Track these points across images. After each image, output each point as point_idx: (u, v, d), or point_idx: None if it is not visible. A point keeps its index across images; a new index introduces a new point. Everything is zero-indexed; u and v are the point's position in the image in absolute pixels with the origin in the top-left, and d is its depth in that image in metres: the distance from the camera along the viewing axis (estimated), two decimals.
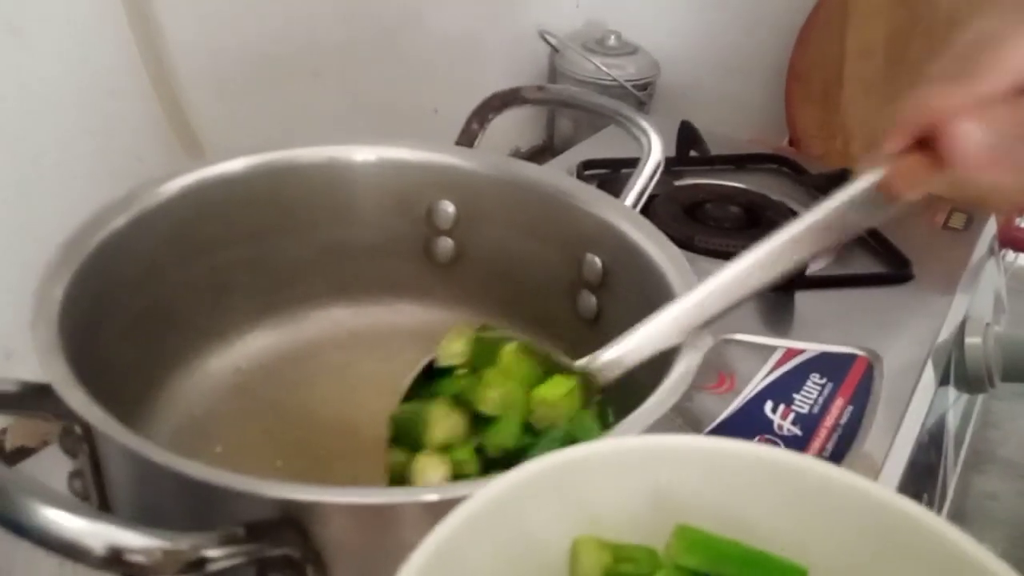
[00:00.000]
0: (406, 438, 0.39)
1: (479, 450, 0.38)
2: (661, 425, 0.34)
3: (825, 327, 0.61)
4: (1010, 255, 0.91)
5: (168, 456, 0.29)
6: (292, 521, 0.29)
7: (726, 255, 0.68)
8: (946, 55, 0.33)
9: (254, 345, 0.53)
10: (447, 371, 0.41)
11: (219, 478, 0.29)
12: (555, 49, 0.99)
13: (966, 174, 0.32)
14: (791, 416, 0.53)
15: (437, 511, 0.29)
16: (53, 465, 0.37)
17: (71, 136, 0.57)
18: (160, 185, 0.46)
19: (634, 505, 0.26)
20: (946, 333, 0.64)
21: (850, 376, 0.56)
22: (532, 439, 0.38)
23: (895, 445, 0.53)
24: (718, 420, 0.52)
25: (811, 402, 0.54)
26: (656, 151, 0.53)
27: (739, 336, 0.59)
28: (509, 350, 0.39)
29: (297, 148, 0.51)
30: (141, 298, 0.45)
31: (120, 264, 0.43)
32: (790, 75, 0.95)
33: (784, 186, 0.81)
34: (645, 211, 0.50)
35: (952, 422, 0.69)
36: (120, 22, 0.57)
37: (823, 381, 0.55)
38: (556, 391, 0.38)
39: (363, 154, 0.52)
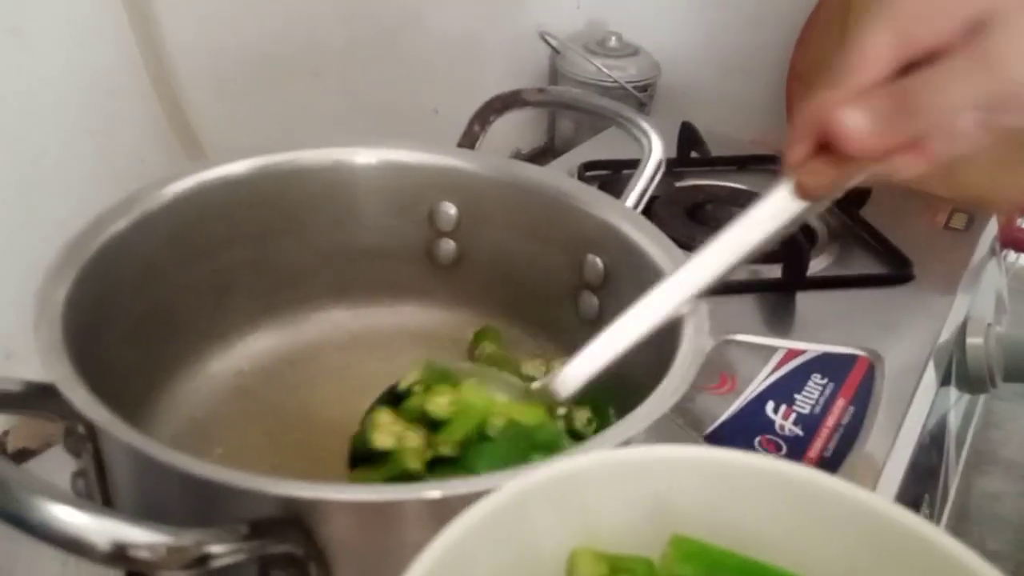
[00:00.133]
0: (364, 455, 0.40)
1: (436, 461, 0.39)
2: (662, 425, 0.35)
3: (826, 328, 0.62)
4: (1011, 255, 0.91)
5: (172, 454, 0.29)
6: (295, 519, 0.29)
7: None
8: (832, 59, 0.35)
9: (255, 347, 0.53)
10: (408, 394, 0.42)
11: (222, 476, 0.29)
12: (556, 50, 0.99)
13: (870, 159, 0.34)
14: (792, 416, 0.53)
15: (439, 508, 0.30)
16: (56, 467, 0.37)
17: (72, 137, 0.57)
18: (161, 187, 0.46)
19: (633, 515, 0.26)
20: (947, 333, 0.64)
21: (851, 376, 0.56)
22: (486, 440, 0.39)
23: (896, 446, 0.53)
24: (719, 420, 0.52)
25: (812, 402, 0.54)
26: (657, 152, 0.53)
27: (740, 337, 0.59)
28: (469, 383, 0.41)
29: (299, 150, 0.51)
30: (142, 300, 0.46)
31: (121, 266, 0.43)
32: (791, 75, 0.95)
33: None
34: (646, 212, 0.50)
35: (954, 422, 0.69)
36: (120, 22, 0.57)
37: (824, 381, 0.56)
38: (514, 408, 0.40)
39: (365, 156, 0.52)
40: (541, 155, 1.01)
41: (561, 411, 0.41)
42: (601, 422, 0.47)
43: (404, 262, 0.55)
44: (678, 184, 0.79)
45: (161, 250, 0.46)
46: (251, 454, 0.46)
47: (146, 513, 0.32)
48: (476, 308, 0.55)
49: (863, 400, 0.55)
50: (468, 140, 0.58)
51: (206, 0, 0.62)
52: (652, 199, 0.53)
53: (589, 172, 0.80)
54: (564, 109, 0.97)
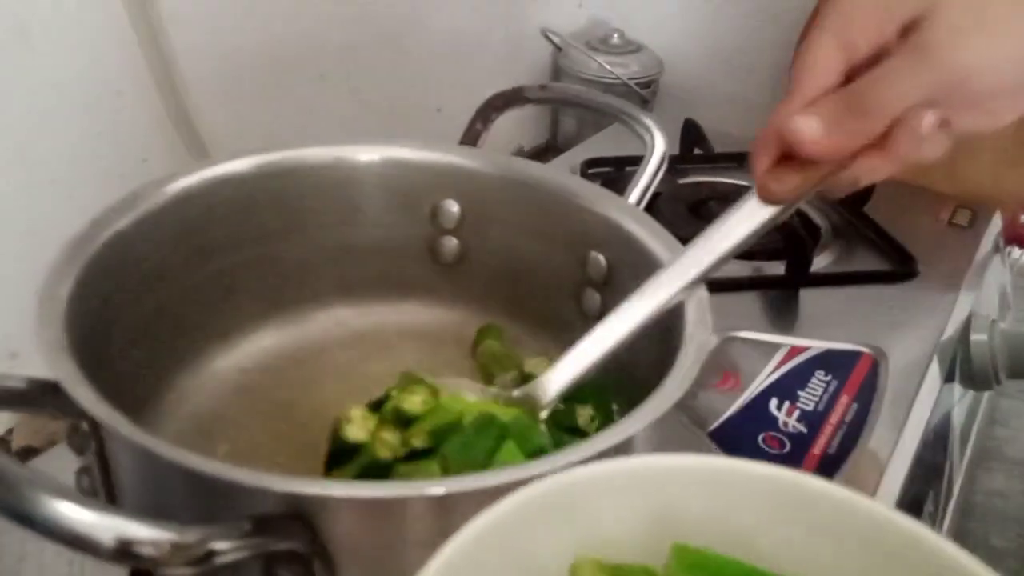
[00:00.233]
0: (339, 453, 0.41)
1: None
2: (665, 423, 0.35)
3: (830, 324, 0.62)
4: (1015, 252, 0.91)
5: (176, 451, 0.30)
6: (299, 515, 0.29)
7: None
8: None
9: (259, 345, 0.53)
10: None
11: (227, 472, 0.29)
12: (558, 48, 0.99)
13: (830, 161, 0.36)
14: (796, 413, 0.53)
15: (443, 505, 0.30)
16: (59, 465, 0.37)
17: (77, 138, 0.57)
18: (165, 186, 0.47)
19: (634, 524, 0.26)
20: (951, 330, 0.64)
21: (855, 373, 0.56)
22: (458, 430, 0.40)
23: (900, 442, 0.53)
24: (723, 417, 0.52)
25: (816, 399, 0.54)
26: (659, 148, 0.53)
27: (744, 334, 0.59)
28: (445, 389, 0.42)
29: (302, 149, 0.51)
30: (146, 298, 0.46)
31: (125, 265, 0.43)
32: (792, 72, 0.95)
33: None
34: (649, 209, 0.50)
35: (958, 419, 0.69)
36: (125, 24, 0.57)
37: (828, 378, 0.55)
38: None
39: (367, 154, 0.52)
40: (543, 152, 1.01)
41: (543, 414, 0.41)
42: (604, 419, 0.47)
43: (407, 260, 0.55)
44: (681, 181, 0.79)
45: (164, 248, 0.46)
46: (256, 452, 0.46)
47: (150, 510, 0.32)
48: (479, 305, 0.55)
49: (867, 397, 0.54)
50: (470, 138, 0.58)
51: (210, 2, 0.62)
52: (655, 196, 0.53)
53: (592, 169, 0.80)
54: (566, 106, 0.97)
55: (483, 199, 0.53)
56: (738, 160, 0.83)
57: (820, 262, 0.69)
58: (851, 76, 0.36)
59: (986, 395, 0.80)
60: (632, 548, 0.26)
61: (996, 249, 0.78)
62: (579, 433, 0.44)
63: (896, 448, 0.52)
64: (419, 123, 0.83)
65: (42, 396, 0.34)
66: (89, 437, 0.35)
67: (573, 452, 0.31)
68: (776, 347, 0.58)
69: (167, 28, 0.59)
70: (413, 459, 0.39)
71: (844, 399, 0.54)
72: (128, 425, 0.31)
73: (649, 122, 0.54)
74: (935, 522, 0.62)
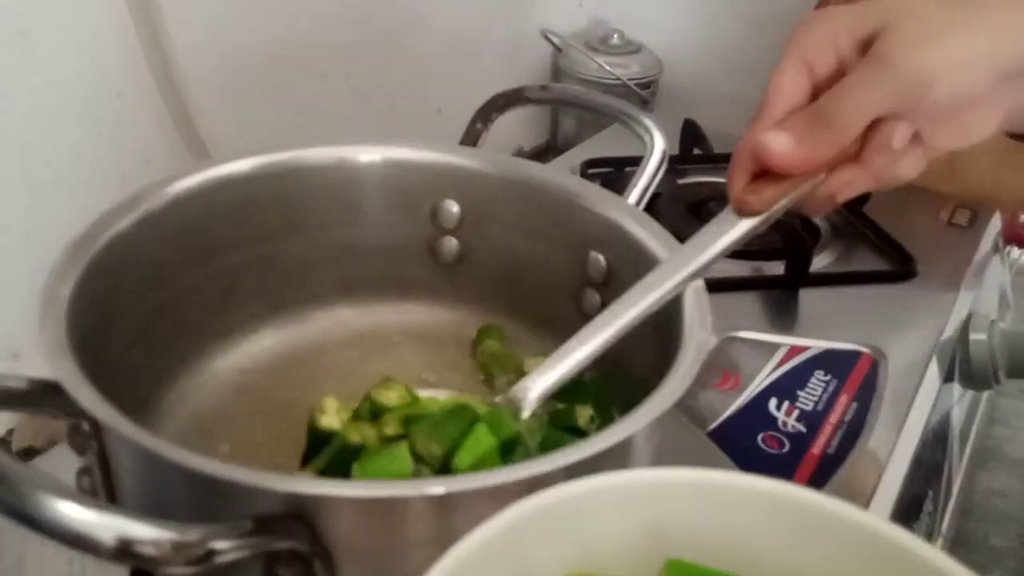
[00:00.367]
0: (315, 443, 0.41)
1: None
2: (664, 422, 0.35)
3: (829, 324, 0.62)
4: (1015, 252, 0.91)
5: (177, 451, 0.30)
6: (299, 515, 0.29)
7: (729, 253, 0.69)
8: None
9: (260, 345, 0.53)
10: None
11: (228, 472, 0.29)
12: (558, 48, 0.99)
13: (802, 173, 0.38)
14: (796, 413, 0.53)
15: (443, 504, 0.30)
16: (60, 466, 0.37)
17: (78, 138, 0.57)
18: (166, 186, 0.47)
19: (628, 539, 0.26)
20: (950, 330, 0.64)
21: (855, 373, 0.56)
22: (429, 416, 0.40)
23: (900, 442, 0.53)
24: (723, 417, 0.52)
25: (816, 399, 0.54)
26: (659, 148, 0.53)
27: (743, 334, 0.59)
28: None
29: (302, 149, 0.52)
30: (147, 298, 0.46)
31: (126, 265, 0.43)
32: None
33: None
34: (649, 209, 0.50)
35: (957, 419, 0.69)
36: (126, 25, 0.57)
37: (827, 378, 0.56)
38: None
39: (368, 154, 0.52)
40: (543, 153, 1.01)
41: (525, 414, 0.41)
42: (604, 419, 0.47)
43: (407, 260, 0.55)
44: (681, 181, 0.79)
45: (165, 249, 0.46)
46: (256, 452, 0.46)
47: (151, 510, 0.32)
48: (479, 306, 0.55)
49: (866, 397, 0.55)
50: (471, 138, 0.58)
51: (211, 2, 0.62)
52: (655, 196, 0.53)
53: (592, 169, 0.80)
54: (566, 106, 0.97)
55: (483, 199, 0.53)
56: None
57: (820, 262, 0.69)
58: (817, 96, 0.38)
59: (985, 395, 0.80)
60: (626, 563, 0.26)
61: (995, 249, 0.79)
62: (579, 433, 0.44)
63: (895, 448, 0.52)
64: (419, 123, 0.83)
65: (43, 396, 0.34)
66: (90, 437, 0.35)
67: (573, 452, 0.31)
68: (776, 347, 0.58)
69: (168, 28, 0.59)
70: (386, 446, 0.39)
71: (843, 399, 0.54)
72: (129, 425, 0.31)
73: (649, 122, 0.54)
74: (935, 522, 0.62)
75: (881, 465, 0.51)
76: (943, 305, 0.65)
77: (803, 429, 0.52)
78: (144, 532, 0.25)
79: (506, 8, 0.93)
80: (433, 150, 0.53)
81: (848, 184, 0.39)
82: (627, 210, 0.49)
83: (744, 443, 0.51)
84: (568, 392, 0.49)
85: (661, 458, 0.35)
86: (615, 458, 0.32)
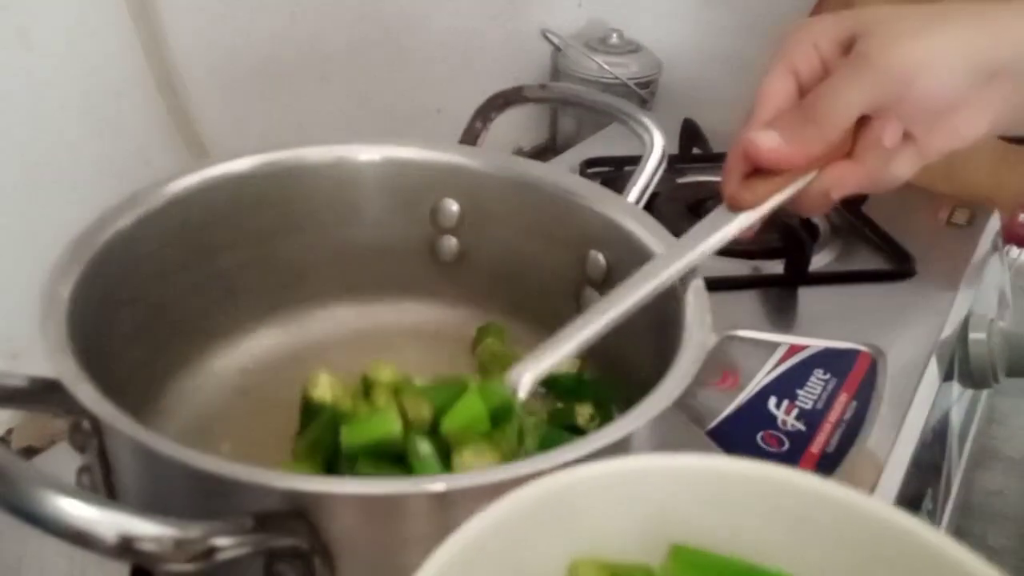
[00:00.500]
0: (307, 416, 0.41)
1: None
2: (664, 421, 0.35)
3: (829, 323, 0.62)
4: (1014, 251, 0.91)
5: (178, 448, 0.30)
6: (300, 512, 0.29)
7: (729, 252, 0.69)
8: None
9: (260, 344, 0.53)
10: None
11: (228, 470, 0.29)
12: (557, 48, 0.99)
13: (793, 168, 0.39)
14: (795, 412, 0.53)
15: (443, 501, 0.30)
16: (60, 464, 0.37)
17: (77, 138, 0.57)
18: (165, 185, 0.47)
19: (632, 525, 0.26)
20: (949, 329, 0.64)
21: (854, 372, 0.56)
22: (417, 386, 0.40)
23: (899, 441, 0.53)
24: (722, 416, 0.53)
25: (815, 398, 0.54)
26: (658, 148, 0.53)
27: (743, 332, 0.59)
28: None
29: (302, 148, 0.52)
30: (147, 297, 0.46)
31: (126, 264, 0.44)
32: None
33: None
34: (648, 208, 0.50)
35: (956, 418, 0.69)
36: (126, 25, 0.57)
37: (827, 377, 0.56)
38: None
39: (368, 154, 0.53)
40: (543, 152, 1.01)
41: (519, 396, 0.40)
42: (604, 418, 0.47)
43: (407, 259, 0.55)
44: (680, 180, 0.79)
45: (165, 248, 0.46)
46: (257, 451, 0.46)
47: (151, 509, 0.32)
48: (479, 305, 0.55)
49: (865, 395, 0.55)
50: (470, 137, 0.58)
51: (211, 2, 0.63)
52: (654, 195, 0.53)
53: (591, 169, 0.80)
54: (566, 105, 0.97)
55: (483, 198, 0.53)
56: None
57: (819, 261, 0.69)
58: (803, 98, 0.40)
59: (984, 394, 0.80)
60: (628, 548, 0.26)
61: (995, 248, 0.79)
62: (579, 432, 0.44)
63: (894, 447, 0.52)
64: (419, 123, 0.83)
65: (43, 394, 0.34)
66: (90, 436, 0.35)
67: (572, 449, 0.31)
68: (775, 346, 0.58)
69: (167, 28, 0.59)
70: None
71: (843, 398, 0.54)
72: (129, 423, 0.31)
73: (648, 122, 0.54)
74: (933, 521, 0.62)
75: (880, 464, 0.51)
76: (942, 304, 0.65)
77: (802, 428, 0.52)
78: (146, 529, 0.25)
79: (506, 8, 0.93)
80: (433, 149, 0.53)
81: (841, 180, 0.40)
82: (626, 209, 0.49)
83: (743, 442, 0.51)
84: (568, 391, 0.50)
85: None
86: (614, 456, 0.32)
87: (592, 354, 0.51)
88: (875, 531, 0.25)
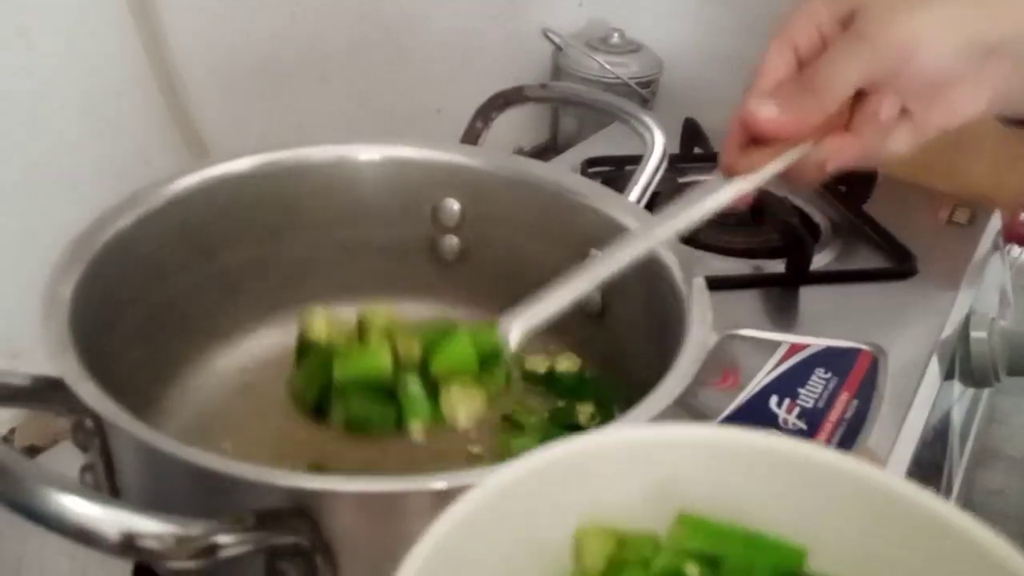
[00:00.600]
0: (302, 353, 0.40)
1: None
2: (664, 419, 0.35)
3: (830, 322, 0.62)
4: (1015, 250, 0.91)
5: (180, 447, 0.30)
6: (301, 510, 0.29)
7: (730, 251, 0.69)
8: None
9: (261, 343, 0.53)
10: None
11: (230, 468, 0.29)
12: (558, 48, 0.99)
13: (791, 138, 0.39)
14: (796, 411, 0.53)
15: (444, 500, 0.30)
16: (63, 464, 0.37)
17: (78, 138, 0.57)
18: (166, 185, 0.47)
19: (638, 494, 0.26)
20: (950, 328, 0.64)
21: (855, 371, 0.56)
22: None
23: (900, 440, 0.53)
24: (723, 415, 0.53)
25: (816, 397, 0.54)
26: (659, 146, 0.53)
27: (744, 332, 0.59)
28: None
29: (302, 148, 0.52)
30: (148, 297, 0.46)
31: (127, 264, 0.44)
32: None
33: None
34: (649, 208, 0.51)
35: (957, 417, 0.69)
36: (126, 25, 0.57)
37: (828, 376, 0.56)
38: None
39: (369, 153, 0.53)
40: (544, 152, 1.01)
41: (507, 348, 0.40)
42: (605, 417, 0.47)
43: (408, 258, 0.55)
44: (681, 180, 0.79)
45: (166, 247, 0.46)
46: (258, 449, 0.46)
47: (154, 507, 0.32)
48: (480, 304, 0.55)
49: (867, 394, 0.55)
50: (471, 136, 0.58)
51: (211, 2, 0.63)
52: (655, 195, 0.53)
53: (592, 168, 0.80)
54: (567, 105, 0.97)
55: (484, 198, 0.53)
56: None
57: (820, 260, 0.69)
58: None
59: (986, 393, 0.80)
60: (635, 516, 0.26)
61: (995, 247, 0.79)
62: (580, 431, 0.44)
63: (895, 446, 0.52)
64: (419, 123, 0.83)
65: (46, 393, 0.34)
66: (92, 434, 0.35)
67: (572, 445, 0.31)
68: (776, 345, 0.58)
69: (167, 28, 0.59)
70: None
71: (844, 396, 0.54)
72: (132, 421, 0.31)
73: (649, 121, 0.54)
74: None
75: (881, 463, 0.51)
76: (943, 303, 0.65)
77: (804, 427, 0.52)
78: (148, 526, 0.25)
79: (506, 8, 0.93)
80: (433, 149, 0.53)
81: (838, 153, 0.40)
82: (628, 208, 0.49)
83: None
84: (569, 390, 0.50)
85: None
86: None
87: (593, 353, 0.52)
88: (881, 500, 0.25)
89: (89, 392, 0.32)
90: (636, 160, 0.53)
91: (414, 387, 0.38)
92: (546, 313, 0.40)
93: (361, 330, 0.41)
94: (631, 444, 0.26)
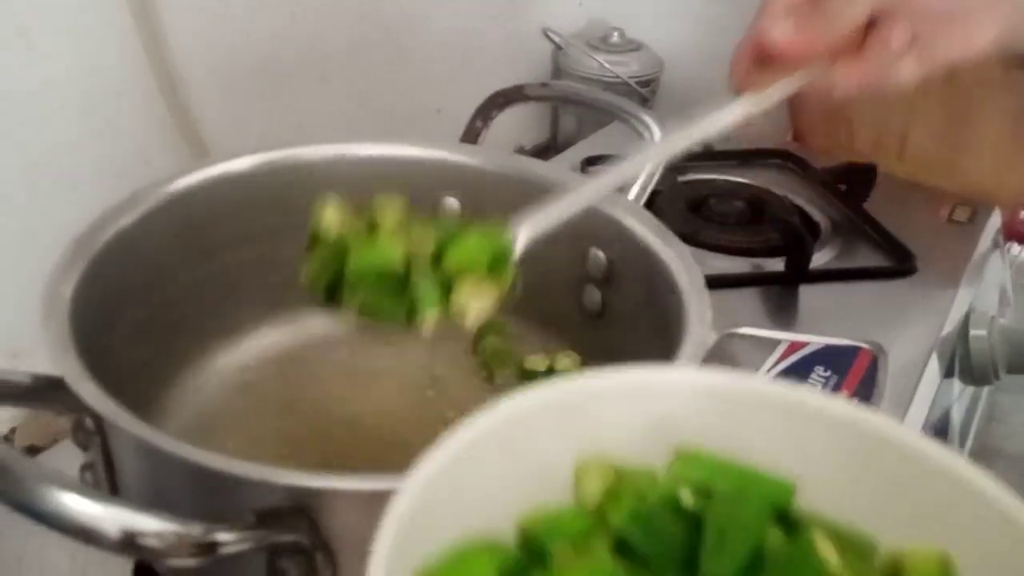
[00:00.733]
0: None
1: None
2: None
3: (829, 320, 0.62)
4: (1015, 248, 0.91)
5: (180, 445, 0.30)
6: (301, 508, 0.29)
7: (730, 250, 0.69)
8: None
9: (261, 343, 0.53)
10: None
11: (231, 466, 0.29)
12: (559, 47, 0.99)
13: (800, 58, 0.40)
14: None
15: None
16: (63, 463, 0.37)
17: (78, 138, 0.57)
18: (166, 185, 0.47)
19: (639, 432, 0.26)
20: (950, 326, 0.64)
21: (855, 369, 0.56)
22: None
23: None
24: None
25: None
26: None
27: (744, 330, 0.59)
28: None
29: (302, 147, 0.52)
30: (148, 297, 0.46)
31: (127, 264, 0.44)
32: None
33: (788, 181, 0.81)
34: (649, 207, 0.51)
35: (957, 416, 0.69)
36: (126, 25, 0.57)
37: (828, 374, 0.56)
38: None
39: (368, 151, 0.53)
40: (544, 151, 1.01)
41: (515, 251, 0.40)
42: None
43: None
44: (681, 179, 0.79)
45: (166, 246, 0.46)
46: (259, 448, 0.46)
47: (154, 506, 0.32)
48: None
49: (866, 393, 0.55)
50: (471, 135, 0.58)
51: (211, 2, 0.63)
52: (655, 193, 0.53)
53: (592, 167, 0.80)
54: (567, 104, 0.97)
55: (483, 196, 0.53)
56: (737, 158, 0.84)
57: (820, 258, 0.69)
58: None
59: (985, 391, 0.80)
60: (635, 454, 0.26)
61: (995, 245, 0.79)
62: None
63: None
64: (419, 123, 0.83)
65: (46, 392, 0.34)
66: (93, 433, 0.35)
67: None
68: (776, 343, 0.58)
69: (167, 28, 0.59)
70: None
71: (844, 394, 0.54)
72: (132, 420, 0.31)
73: (648, 119, 0.54)
74: None
75: None
76: (943, 301, 0.66)
77: None
78: (149, 524, 0.25)
79: (507, 7, 0.93)
80: (433, 147, 0.53)
81: (846, 78, 0.41)
82: (627, 207, 0.49)
83: None
84: None
85: None
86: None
87: (592, 352, 0.52)
88: (872, 442, 0.25)
89: (89, 391, 0.32)
90: None
91: (425, 279, 0.38)
92: (553, 219, 0.41)
93: (373, 223, 0.40)
94: (630, 385, 0.26)
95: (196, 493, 0.32)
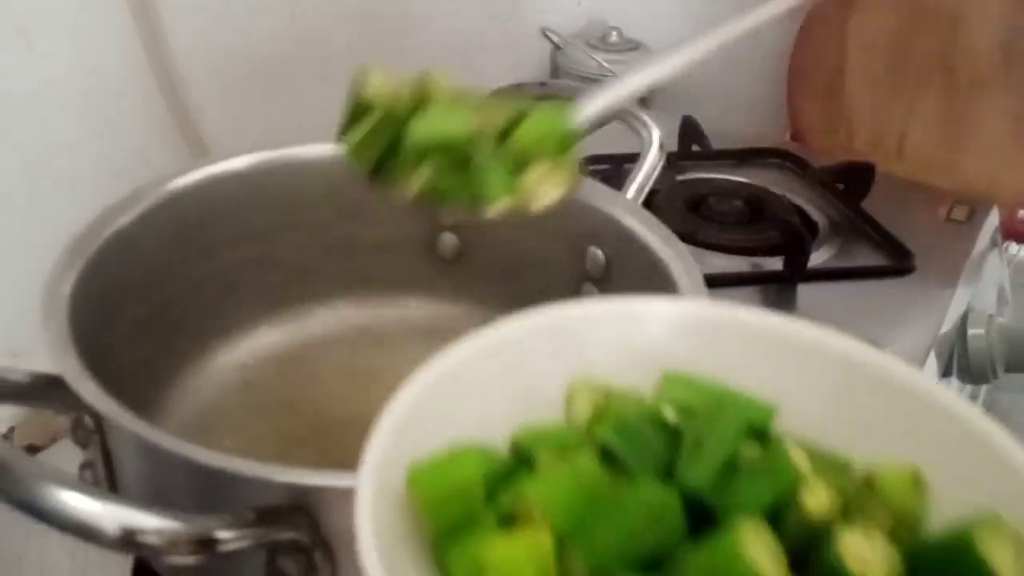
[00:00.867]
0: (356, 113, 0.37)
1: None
2: None
3: (828, 320, 0.61)
4: (1013, 247, 0.91)
5: (179, 443, 0.30)
6: (300, 506, 0.29)
7: (729, 249, 0.69)
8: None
9: (261, 342, 0.53)
10: None
11: (230, 464, 0.29)
12: (557, 47, 0.99)
13: None
14: None
15: None
16: (62, 462, 0.37)
17: (77, 137, 0.57)
18: (166, 184, 0.47)
19: (628, 359, 0.27)
20: (948, 325, 0.64)
21: None
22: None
23: None
24: None
25: None
26: (657, 144, 0.53)
27: None
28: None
29: (301, 146, 0.52)
30: (148, 295, 0.46)
31: (127, 263, 0.44)
32: (792, 70, 0.95)
33: (787, 180, 0.81)
34: (648, 206, 0.51)
35: None
36: (126, 24, 0.58)
37: None
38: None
39: None
40: None
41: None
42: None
43: (407, 256, 0.55)
44: (679, 178, 0.79)
45: (166, 245, 0.47)
46: (258, 447, 0.46)
47: (154, 503, 0.32)
48: (479, 301, 0.55)
49: None
50: None
51: (211, 2, 0.63)
52: (653, 192, 0.53)
53: (590, 166, 0.80)
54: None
55: None
56: (736, 157, 0.84)
57: (818, 257, 0.69)
58: None
59: (983, 389, 0.80)
60: (624, 380, 0.27)
61: (994, 244, 0.79)
62: None
63: None
64: None
65: (45, 391, 0.34)
66: (92, 432, 0.35)
67: None
68: None
69: (167, 28, 0.59)
70: None
71: None
72: (132, 418, 0.32)
73: (646, 118, 0.54)
74: None
75: None
76: (941, 300, 0.66)
77: None
78: (148, 522, 0.25)
79: (505, 6, 0.93)
80: None
81: None
82: (625, 205, 0.49)
83: None
84: None
85: None
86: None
87: None
88: (849, 367, 0.26)
89: (89, 390, 0.32)
90: (634, 158, 0.54)
91: (493, 159, 0.34)
92: (612, 99, 0.40)
93: (425, 95, 0.37)
94: (626, 314, 0.27)
95: (195, 491, 0.32)
